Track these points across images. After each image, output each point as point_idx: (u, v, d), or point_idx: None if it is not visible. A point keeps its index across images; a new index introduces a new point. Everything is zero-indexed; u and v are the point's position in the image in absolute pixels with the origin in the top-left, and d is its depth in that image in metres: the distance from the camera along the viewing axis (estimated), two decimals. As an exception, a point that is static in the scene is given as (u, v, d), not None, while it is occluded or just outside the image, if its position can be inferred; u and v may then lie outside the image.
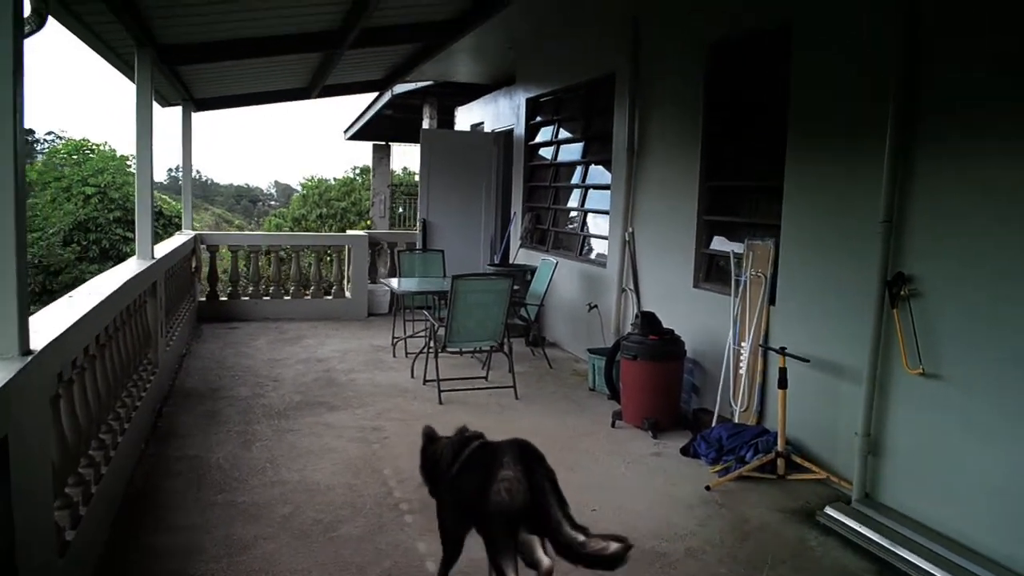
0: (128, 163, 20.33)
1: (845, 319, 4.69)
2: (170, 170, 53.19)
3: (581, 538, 2.74)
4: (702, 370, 6.10)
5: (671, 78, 6.70)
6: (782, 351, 4.84)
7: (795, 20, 5.13)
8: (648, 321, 5.74)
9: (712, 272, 6.23)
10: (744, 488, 4.66)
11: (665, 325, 5.81)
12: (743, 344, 5.50)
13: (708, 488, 4.64)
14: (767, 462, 4.77)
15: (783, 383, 4.79)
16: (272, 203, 52.03)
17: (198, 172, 55.64)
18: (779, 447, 4.79)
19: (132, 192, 18.70)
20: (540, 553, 2.85)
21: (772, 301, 5.34)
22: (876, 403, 4.40)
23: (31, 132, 45.52)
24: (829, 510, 4.28)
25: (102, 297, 3.96)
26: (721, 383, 5.62)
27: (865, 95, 4.57)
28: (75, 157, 19.54)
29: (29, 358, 2.66)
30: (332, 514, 4.14)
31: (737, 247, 5.73)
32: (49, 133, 46.56)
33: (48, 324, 3.14)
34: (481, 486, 2.82)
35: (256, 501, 4.27)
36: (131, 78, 6.15)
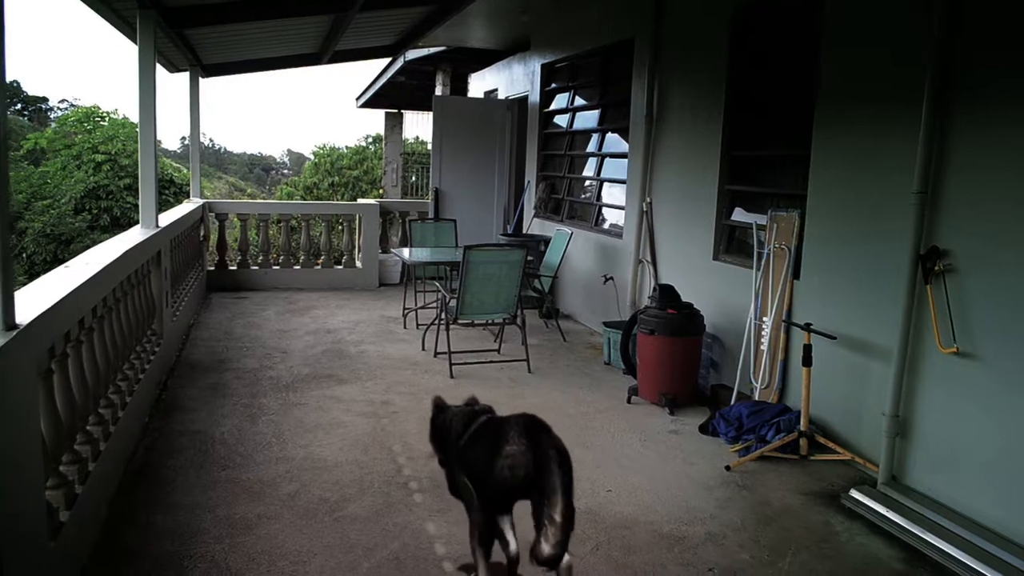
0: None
1: (874, 294, 4.48)
2: (183, 138, 52.92)
3: (558, 518, 2.64)
4: (721, 345, 5.91)
5: (693, 42, 6.44)
6: (807, 327, 4.64)
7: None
8: (666, 294, 5.55)
9: (732, 244, 6.02)
10: (765, 468, 4.50)
11: (683, 298, 5.62)
12: (765, 319, 5.31)
13: (728, 468, 4.48)
14: (789, 442, 4.60)
15: (807, 361, 4.60)
16: (285, 171, 51.81)
17: (211, 141, 55.47)
18: (802, 426, 4.61)
19: (142, 159, 18.61)
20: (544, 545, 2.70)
21: (796, 275, 5.13)
22: (905, 382, 4.21)
23: (44, 100, 45.42)
24: (854, 493, 4.12)
25: (100, 267, 3.80)
26: (741, 359, 5.44)
27: (900, 59, 4.33)
28: (86, 125, 19.37)
29: (14, 333, 2.51)
30: (339, 492, 4.00)
31: (759, 218, 5.52)
32: (62, 101, 46.45)
33: (39, 296, 2.99)
34: (487, 460, 2.84)
35: (261, 478, 4.14)
36: (134, 40, 5.95)
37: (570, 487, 2.76)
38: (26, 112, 43.05)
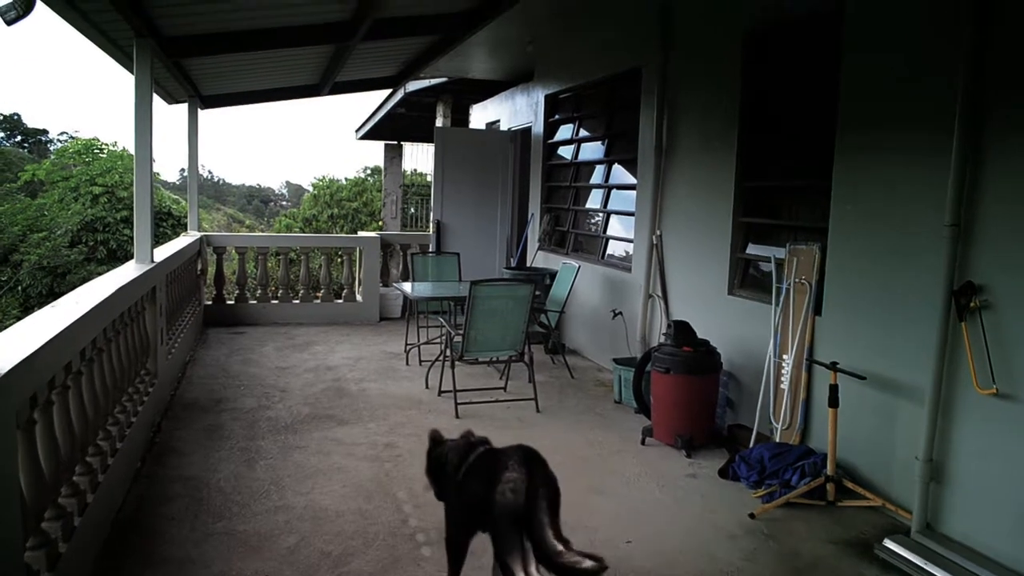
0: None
1: (903, 332, 4.28)
2: (182, 170, 53.16)
3: (559, 548, 2.70)
4: (738, 383, 5.69)
5: (703, 69, 6.29)
6: (833, 366, 4.42)
7: (848, 1, 4.71)
8: (682, 331, 5.34)
9: (748, 278, 5.82)
10: (791, 516, 4.26)
11: (697, 334, 5.40)
12: (785, 357, 5.09)
13: (752, 516, 4.24)
14: (815, 487, 4.36)
15: (834, 401, 4.38)
16: (284, 203, 51.87)
17: (210, 172, 55.63)
18: (828, 471, 4.37)
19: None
20: (532, 568, 2.81)
21: (818, 311, 4.93)
22: (940, 425, 3.99)
23: (44, 132, 45.53)
24: (888, 543, 3.88)
25: (89, 307, 3.58)
26: (761, 398, 5.21)
27: (928, 82, 4.17)
28: (85, 157, 19.23)
29: (-9, 383, 2.29)
30: (341, 546, 3.76)
31: (777, 252, 5.32)
32: (62, 133, 46.52)
33: (20, 342, 2.77)
34: (486, 488, 2.85)
35: (258, 530, 3.90)
36: (131, 70, 5.79)
37: (556, 520, 2.80)
38: (26, 144, 43.13)
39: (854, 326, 4.65)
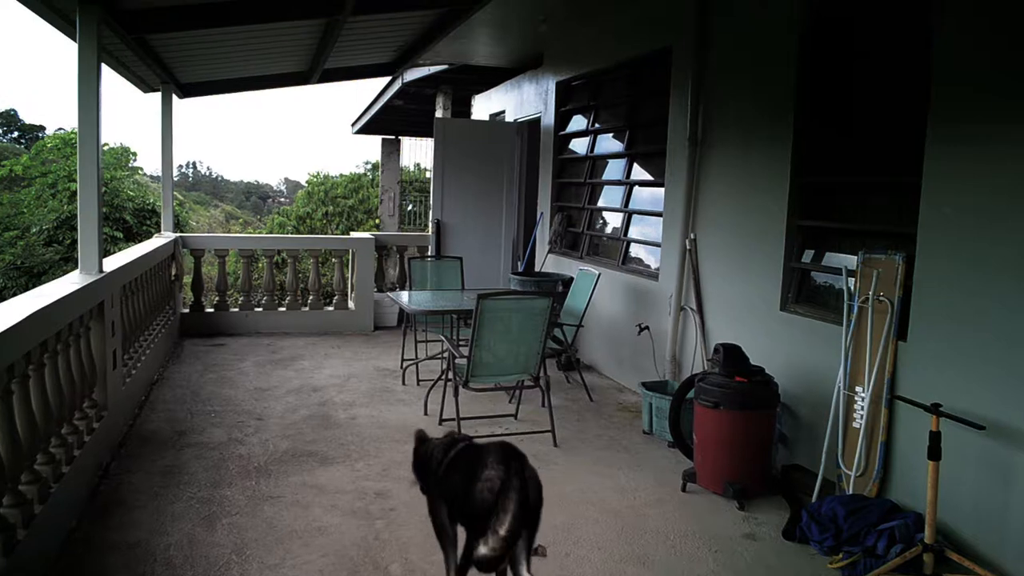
0: (125, 155, 19.08)
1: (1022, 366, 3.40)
2: (180, 167, 52.61)
3: (501, 532, 2.62)
4: (794, 416, 4.82)
5: (751, 47, 5.39)
6: (936, 409, 3.53)
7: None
8: (732, 357, 4.45)
9: (804, 292, 4.95)
10: (883, 597, 3.39)
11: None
12: (858, 389, 4.22)
13: (835, 598, 3.38)
14: (911, 559, 3.49)
15: (935, 453, 3.49)
16: (282, 200, 51.01)
17: (208, 168, 54.93)
18: (926, 537, 3.49)
19: (121, 187, 17.48)
20: (523, 568, 2.76)
21: (901, 335, 4.05)
22: (1080, 488, 3.12)
23: (42, 128, 44.54)
24: (1017, 641, 3.02)
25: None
26: (828, 437, 4.33)
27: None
28: (64, 151, 18.24)
29: None
30: (315, 650, 2.89)
31: (846, 262, 4.45)
32: (59, 129, 45.54)
33: None
34: (466, 485, 2.84)
35: (209, 626, 3.03)
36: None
37: (526, 516, 2.71)
38: (23, 140, 42.27)
39: (951, 356, 3.78)
